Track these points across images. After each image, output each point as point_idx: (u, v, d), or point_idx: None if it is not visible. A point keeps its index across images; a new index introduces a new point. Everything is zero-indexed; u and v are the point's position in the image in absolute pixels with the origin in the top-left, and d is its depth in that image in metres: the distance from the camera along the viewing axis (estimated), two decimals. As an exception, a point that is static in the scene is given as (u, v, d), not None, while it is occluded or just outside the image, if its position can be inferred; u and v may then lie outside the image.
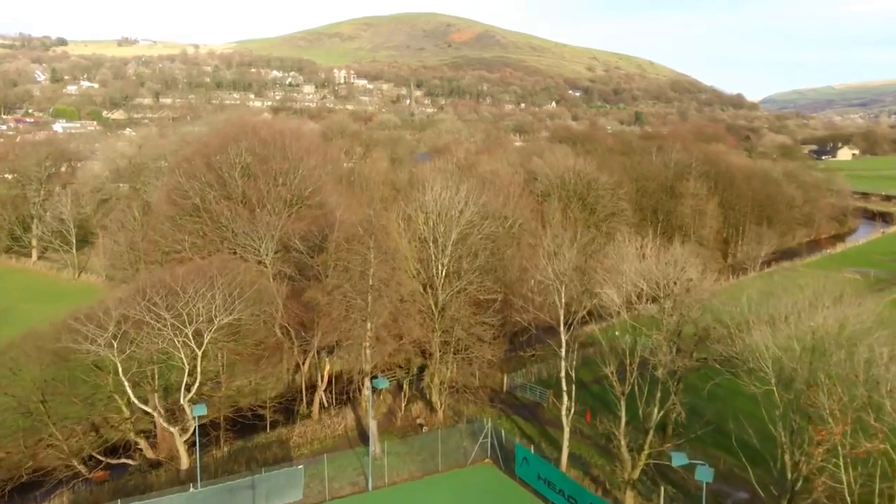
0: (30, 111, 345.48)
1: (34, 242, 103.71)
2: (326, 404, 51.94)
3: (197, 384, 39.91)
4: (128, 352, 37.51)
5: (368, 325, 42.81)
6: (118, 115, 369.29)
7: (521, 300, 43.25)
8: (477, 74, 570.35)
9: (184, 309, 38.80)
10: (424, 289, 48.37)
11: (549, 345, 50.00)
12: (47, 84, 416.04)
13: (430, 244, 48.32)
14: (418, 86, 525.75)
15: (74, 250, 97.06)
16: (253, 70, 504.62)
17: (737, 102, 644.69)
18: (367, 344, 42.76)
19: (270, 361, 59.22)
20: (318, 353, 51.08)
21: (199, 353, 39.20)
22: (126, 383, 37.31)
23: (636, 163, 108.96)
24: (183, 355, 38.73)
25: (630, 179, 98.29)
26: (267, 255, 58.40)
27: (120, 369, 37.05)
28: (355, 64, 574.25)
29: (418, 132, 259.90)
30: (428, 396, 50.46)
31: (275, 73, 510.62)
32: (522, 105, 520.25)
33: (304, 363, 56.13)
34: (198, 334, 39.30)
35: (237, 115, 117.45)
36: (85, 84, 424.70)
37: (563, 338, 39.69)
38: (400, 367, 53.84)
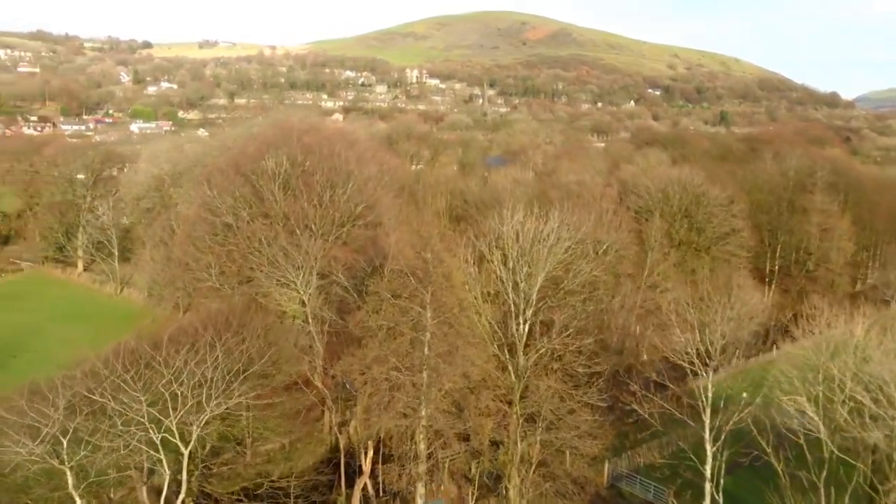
0: (110, 112, 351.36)
1: (80, 252, 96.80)
2: (371, 492, 40.01)
3: (183, 495, 28.61)
4: (81, 454, 26.55)
5: (423, 411, 30.61)
6: (193, 115, 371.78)
7: (637, 381, 30.04)
8: (552, 73, 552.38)
9: (166, 389, 27.61)
10: (501, 349, 35.77)
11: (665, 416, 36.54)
12: (129, 85, 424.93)
13: (510, 292, 35.70)
14: (491, 85, 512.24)
15: (117, 263, 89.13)
16: (327, 70, 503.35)
17: (831, 101, 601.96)
18: (421, 438, 30.56)
19: (307, 419, 48.18)
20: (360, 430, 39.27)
21: (186, 453, 27.91)
22: (78, 500, 26.36)
23: (748, 171, 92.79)
24: (162, 457, 27.50)
25: (741, 191, 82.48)
26: (306, 290, 47.11)
27: (70, 479, 26.17)
28: (428, 63, 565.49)
29: (491, 133, 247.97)
30: (504, 492, 37.84)
31: (348, 73, 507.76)
32: (599, 104, 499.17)
33: (344, 429, 44.56)
34: (186, 424, 28.07)
35: (283, 116, 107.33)
36: (164, 85, 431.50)
37: (709, 449, 26.38)
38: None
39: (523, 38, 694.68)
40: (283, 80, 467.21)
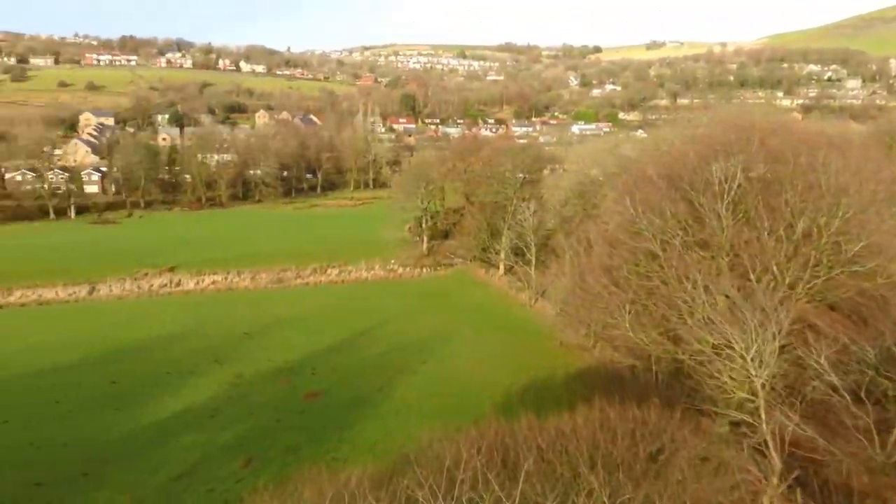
0: (555, 114, 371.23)
1: (501, 255, 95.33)
2: None
3: None
4: None
5: None
6: (633, 116, 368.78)
7: None
8: None
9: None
10: None
11: None
12: (576, 88, 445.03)
13: None
14: None
15: (533, 271, 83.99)
16: (784, 65, 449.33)
17: None
18: None
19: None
20: None
21: None
22: None
23: None
24: None
25: None
26: (759, 370, 30.91)
27: None
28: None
29: None
30: None
31: (811, 67, 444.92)
32: None
33: None
34: None
35: (735, 111, 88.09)
36: (609, 87, 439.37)
37: None
38: None
39: None
40: (731, 78, 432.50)
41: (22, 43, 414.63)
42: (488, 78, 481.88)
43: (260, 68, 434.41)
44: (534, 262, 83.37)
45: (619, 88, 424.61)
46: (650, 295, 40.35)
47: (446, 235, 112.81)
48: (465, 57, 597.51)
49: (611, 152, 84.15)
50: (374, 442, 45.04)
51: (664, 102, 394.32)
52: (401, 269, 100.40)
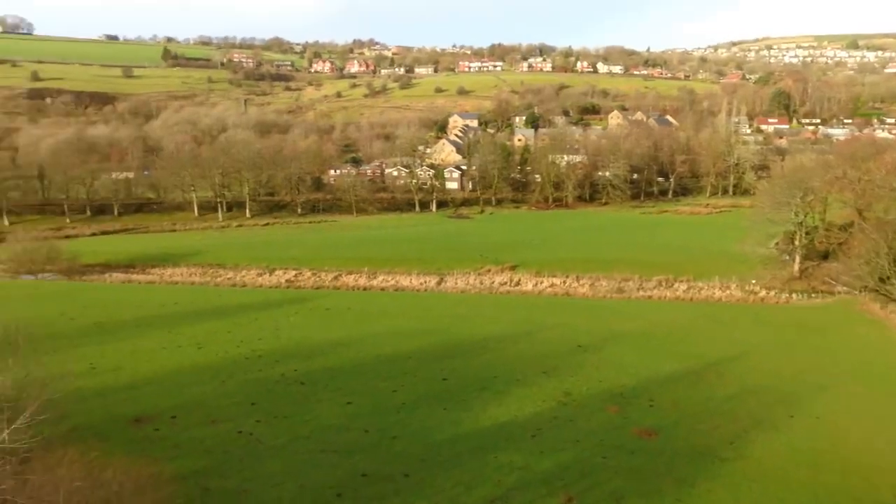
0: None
1: (905, 288, 74.77)
2: None
3: None
4: None
5: None
6: None
7: None
8: None
9: None
10: None
11: None
12: None
13: None
14: None
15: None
16: None
17: None
18: None
19: None
20: None
21: None
22: None
23: None
24: None
25: None
26: None
27: None
28: None
29: None
30: None
31: None
32: None
33: None
34: None
35: None
36: None
37: None
38: None
39: None
40: None
41: (410, 55, 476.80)
42: (887, 70, 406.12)
43: (617, 69, 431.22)
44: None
45: None
46: None
47: (825, 256, 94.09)
48: (857, 47, 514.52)
49: None
50: (722, 514, 35.93)
51: None
52: (763, 293, 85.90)
